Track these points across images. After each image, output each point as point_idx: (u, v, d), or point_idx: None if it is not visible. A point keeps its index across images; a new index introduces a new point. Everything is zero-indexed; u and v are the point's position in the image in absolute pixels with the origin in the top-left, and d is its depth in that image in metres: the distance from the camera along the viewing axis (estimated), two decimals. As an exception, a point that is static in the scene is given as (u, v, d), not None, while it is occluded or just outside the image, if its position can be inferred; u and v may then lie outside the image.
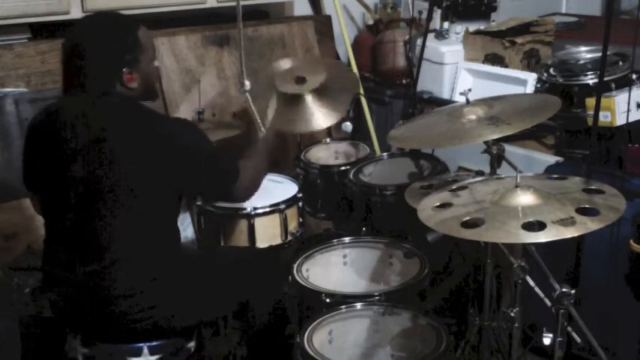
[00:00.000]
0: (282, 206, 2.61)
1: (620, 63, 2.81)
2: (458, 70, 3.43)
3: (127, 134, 2.02)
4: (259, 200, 2.61)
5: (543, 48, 3.38)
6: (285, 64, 3.21)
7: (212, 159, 2.15)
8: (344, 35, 3.78)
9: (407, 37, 3.71)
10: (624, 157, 2.62)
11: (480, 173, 2.38)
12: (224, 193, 2.27)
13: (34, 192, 2.21)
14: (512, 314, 2.00)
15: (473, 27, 3.55)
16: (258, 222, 2.57)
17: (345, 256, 2.58)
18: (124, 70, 2.04)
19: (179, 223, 2.21)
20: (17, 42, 3.17)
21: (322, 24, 3.95)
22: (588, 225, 1.72)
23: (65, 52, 2.07)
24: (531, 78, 3.15)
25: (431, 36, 3.47)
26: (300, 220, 2.72)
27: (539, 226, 1.74)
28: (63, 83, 2.09)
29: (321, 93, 2.99)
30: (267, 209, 2.59)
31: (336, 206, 2.96)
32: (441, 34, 3.54)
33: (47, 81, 3.16)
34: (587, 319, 2.04)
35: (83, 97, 2.03)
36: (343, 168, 2.93)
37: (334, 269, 2.56)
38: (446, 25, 3.55)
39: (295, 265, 2.43)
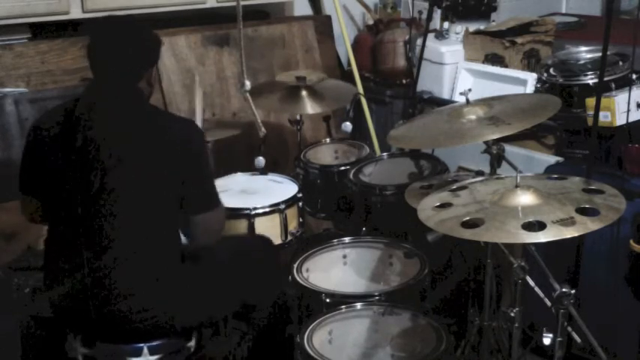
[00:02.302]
0: (282, 206, 2.61)
1: (620, 63, 2.81)
2: (458, 70, 3.43)
3: (134, 136, 2.02)
4: (259, 200, 2.61)
5: (543, 48, 3.38)
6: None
7: (208, 172, 2.16)
8: (344, 35, 3.78)
9: (407, 37, 3.71)
10: (624, 157, 2.62)
11: (480, 173, 2.38)
12: (195, 210, 2.13)
13: (32, 195, 2.20)
14: (512, 314, 2.01)
15: (473, 27, 3.55)
16: (258, 222, 2.57)
17: (345, 256, 2.58)
18: (152, 66, 2.11)
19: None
20: (17, 42, 3.17)
21: (322, 24, 3.95)
22: (588, 225, 1.72)
23: (97, 51, 2.08)
24: (531, 78, 3.15)
25: (431, 36, 3.47)
26: (300, 220, 2.72)
27: (539, 226, 1.74)
28: (94, 76, 2.10)
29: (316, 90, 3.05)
30: (267, 209, 2.59)
31: (336, 206, 2.96)
32: (441, 34, 3.54)
33: (47, 81, 3.16)
34: (587, 319, 2.04)
35: (96, 98, 2.03)
36: (343, 168, 2.93)
37: (334, 269, 2.56)
38: (446, 25, 3.55)
39: (295, 265, 2.43)
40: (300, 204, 2.72)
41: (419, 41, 3.40)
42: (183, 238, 2.25)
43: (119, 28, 2.11)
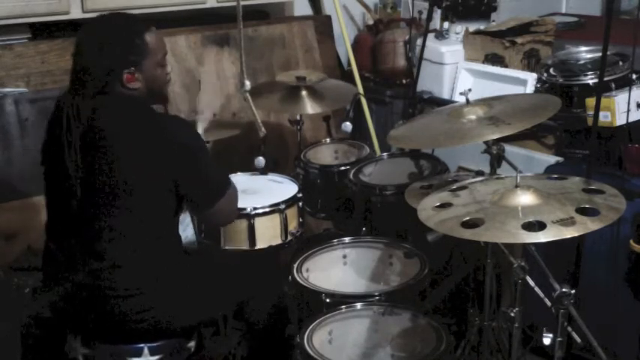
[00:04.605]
0: (282, 206, 2.61)
1: (620, 63, 2.81)
2: (458, 70, 3.43)
3: (123, 130, 2.02)
4: (259, 200, 2.61)
5: (543, 48, 3.38)
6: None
7: (209, 164, 2.15)
8: (344, 35, 3.78)
9: (407, 37, 3.71)
10: (624, 157, 2.62)
11: (480, 173, 2.38)
12: (208, 204, 2.17)
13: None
14: (512, 314, 2.00)
15: (473, 27, 3.55)
16: (258, 222, 2.57)
17: (345, 256, 2.58)
18: (125, 70, 2.04)
19: (179, 223, 2.22)
20: (17, 42, 3.17)
21: (322, 24, 3.95)
22: (588, 225, 1.72)
23: (74, 48, 2.08)
24: (531, 78, 3.15)
25: (431, 36, 3.47)
26: (300, 220, 2.72)
27: (539, 226, 1.74)
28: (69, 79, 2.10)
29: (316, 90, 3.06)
30: (267, 209, 2.59)
31: (336, 206, 2.95)
32: (441, 34, 3.54)
33: (47, 81, 3.16)
34: (587, 319, 2.04)
35: (80, 94, 2.03)
36: (343, 168, 2.93)
37: (334, 269, 2.56)
38: (446, 25, 3.55)
39: (295, 265, 2.43)
40: (300, 204, 2.72)
41: (419, 41, 3.40)
42: (184, 237, 2.25)
43: (87, 31, 2.10)
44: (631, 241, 2.42)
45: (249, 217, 2.55)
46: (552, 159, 2.89)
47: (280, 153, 3.51)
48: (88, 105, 2.01)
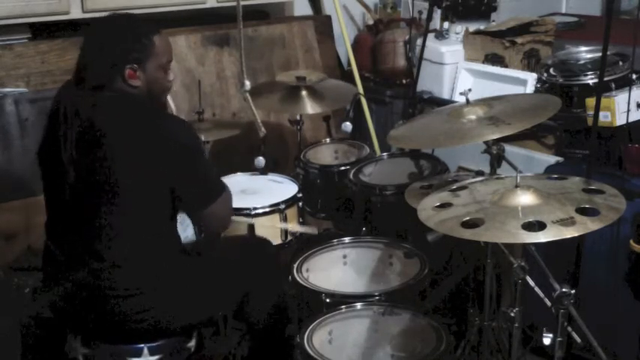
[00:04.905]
0: (282, 206, 2.61)
1: (620, 63, 2.81)
2: (458, 70, 3.43)
3: (123, 129, 2.01)
4: (259, 200, 2.61)
5: (543, 48, 3.38)
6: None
7: (207, 164, 2.15)
8: (344, 35, 3.78)
9: (407, 37, 3.71)
10: (624, 157, 2.62)
11: (480, 173, 2.38)
12: (204, 204, 2.15)
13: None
14: (512, 314, 2.00)
15: (473, 27, 3.55)
16: (258, 222, 2.57)
17: (345, 256, 2.58)
18: (127, 65, 2.04)
19: (179, 223, 2.22)
20: (17, 42, 3.17)
21: (322, 24, 3.95)
22: (588, 225, 1.72)
23: (81, 43, 2.09)
24: (531, 78, 3.15)
25: (431, 36, 3.47)
26: (300, 220, 2.72)
27: (539, 226, 1.74)
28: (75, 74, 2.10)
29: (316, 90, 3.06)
30: (267, 209, 2.59)
31: (336, 206, 2.96)
32: (441, 34, 3.54)
33: (47, 81, 3.16)
34: (587, 319, 2.04)
35: (80, 88, 2.03)
36: (343, 168, 2.93)
37: (334, 269, 2.56)
38: (446, 25, 3.55)
39: (295, 265, 2.43)
40: (300, 204, 2.72)
41: (419, 41, 3.40)
42: (184, 237, 2.25)
43: (95, 27, 2.11)
44: (631, 241, 2.42)
45: (250, 217, 2.55)
46: (552, 159, 2.89)
47: (280, 153, 3.51)
48: (89, 101, 2.01)
